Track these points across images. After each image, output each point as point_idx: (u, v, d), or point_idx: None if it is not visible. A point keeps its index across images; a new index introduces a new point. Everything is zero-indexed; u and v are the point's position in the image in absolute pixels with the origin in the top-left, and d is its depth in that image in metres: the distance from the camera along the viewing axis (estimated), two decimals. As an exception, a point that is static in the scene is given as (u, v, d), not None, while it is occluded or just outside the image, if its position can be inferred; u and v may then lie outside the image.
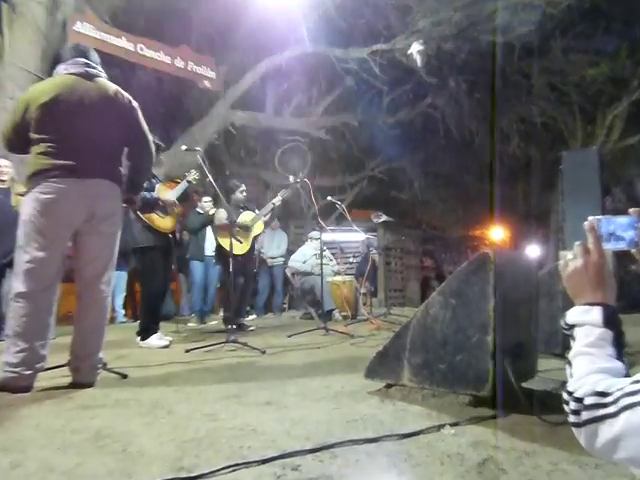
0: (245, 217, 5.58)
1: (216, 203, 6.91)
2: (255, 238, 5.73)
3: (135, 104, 2.81)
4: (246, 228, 5.48)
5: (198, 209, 6.91)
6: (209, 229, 6.84)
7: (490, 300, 1.95)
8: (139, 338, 4.30)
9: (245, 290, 5.62)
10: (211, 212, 6.23)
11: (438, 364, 2.06)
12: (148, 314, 4.35)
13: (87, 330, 2.64)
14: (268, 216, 5.76)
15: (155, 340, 4.24)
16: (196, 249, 6.88)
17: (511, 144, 11.16)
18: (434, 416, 1.93)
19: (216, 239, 5.51)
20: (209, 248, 6.81)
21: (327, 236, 7.69)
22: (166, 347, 4.18)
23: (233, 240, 5.18)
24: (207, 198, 7.02)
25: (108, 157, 2.71)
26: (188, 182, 4.74)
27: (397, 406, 2.09)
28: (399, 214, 11.60)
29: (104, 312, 2.72)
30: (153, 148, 2.91)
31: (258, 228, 5.65)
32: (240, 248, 5.36)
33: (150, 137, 2.87)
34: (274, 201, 5.64)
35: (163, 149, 4.75)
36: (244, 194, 5.72)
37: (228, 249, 4.58)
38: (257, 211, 5.75)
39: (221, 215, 5.42)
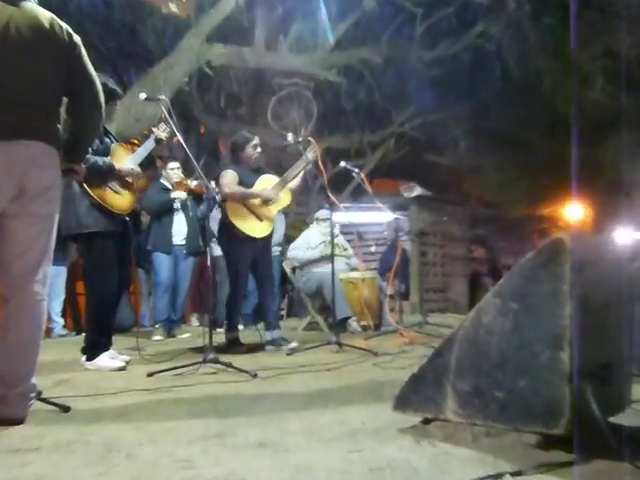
0: (264, 183, 5.35)
1: (186, 171, 6.92)
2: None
3: (77, 38, 2.80)
4: (267, 200, 5.26)
5: (162, 180, 6.93)
6: (178, 209, 6.86)
7: (565, 304, 1.94)
8: (85, 357, 4.33)
9: (271, 292, 5.53)
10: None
11: (494, 392, 2.06)
12: (96, 325, 4.37)
13: (15, 346, 2.65)
14: (297, 181, 5.44)
15: (106, 360, 4.27)
16: (160, 237, 6.84)
17: (594, 88, 11.06)
18: (489, 462, 1.94)
19: (226, 216, 5.14)
20: (178, 235, 6.82)
21: (340, 216, 7.72)
22: (122, 369, 4.22)
23: (252, 218, 5.12)
24: (174, 164, 7.04)
25: (42, 111, 2.71)
26: (157, 141, 4.65)
27: (438, 449, 2.10)
28: (439, 186, 11.58)
29: (38, 322, 2.73)
30: (102, 98, 2.90)
31: (284, 200, 5.42)
32: (260, 229, 5.19)
33: (98, 83, 2.86)
34: (306, 158, 5.21)
35: (120, 96, 4.67)
36: (258, 150, 5.40)
37: (248, 232, 4.54)
38: (272, 175, 5.50)
39: (229, 179, 5.11)
